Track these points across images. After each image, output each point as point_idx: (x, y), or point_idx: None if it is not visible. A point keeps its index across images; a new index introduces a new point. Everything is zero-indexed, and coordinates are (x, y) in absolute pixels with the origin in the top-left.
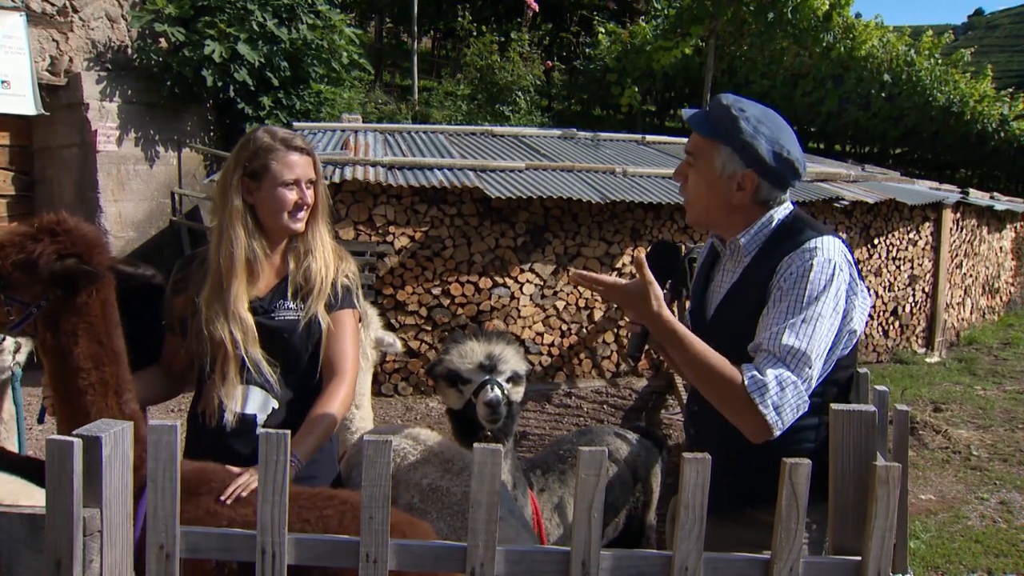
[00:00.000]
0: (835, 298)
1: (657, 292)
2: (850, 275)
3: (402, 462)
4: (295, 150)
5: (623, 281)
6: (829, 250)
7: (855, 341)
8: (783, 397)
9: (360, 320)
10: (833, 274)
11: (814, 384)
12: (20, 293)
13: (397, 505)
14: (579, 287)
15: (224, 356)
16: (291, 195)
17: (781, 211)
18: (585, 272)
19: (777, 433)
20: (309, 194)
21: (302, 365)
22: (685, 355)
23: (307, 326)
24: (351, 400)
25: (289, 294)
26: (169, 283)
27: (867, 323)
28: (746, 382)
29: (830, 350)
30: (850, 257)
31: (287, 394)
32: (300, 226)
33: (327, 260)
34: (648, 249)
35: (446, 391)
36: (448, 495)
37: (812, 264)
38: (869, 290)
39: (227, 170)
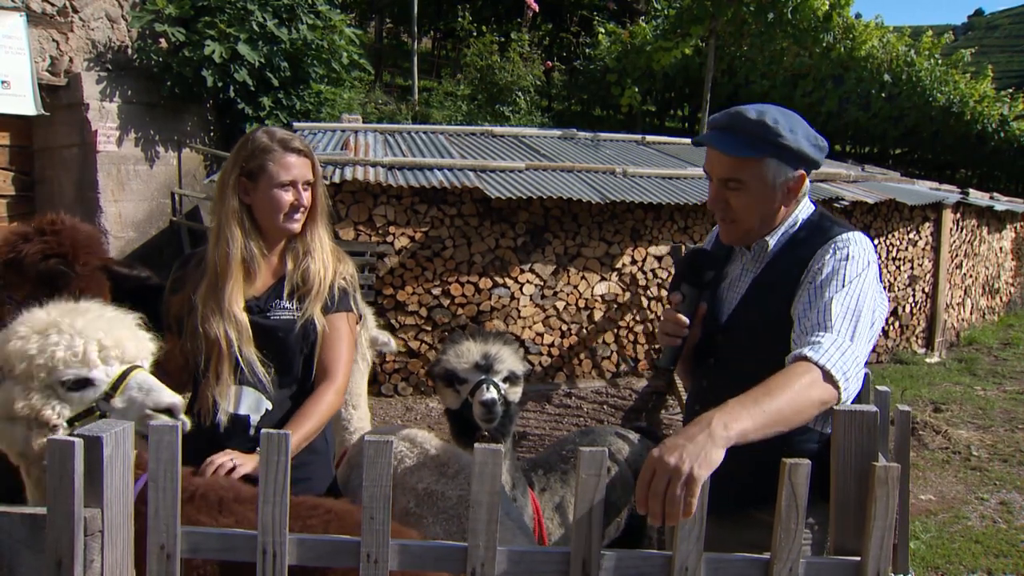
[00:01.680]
0: (872, 283)
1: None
2: (877, 270)
3: (399, 465)
4: (292, 151)
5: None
6: (860, 244)
7: (873, 342)
8: (845, 361)
9: (359, 321)
10: (869, 263)
11: (864, 355)
12: (14, 291)
13: (394, 509)
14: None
15: (218, 355)
16: (287, 196)
17: (804, 211)
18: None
19: (845, 394)
20: (306, 196)
21: (296, 366)
22: (756, 416)
23: (303, 327)
24: (338, 404)
25: (285, 294)
26: (168, 282)
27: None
28: (809, 355)
29: (872, 330)
30: (875, 257)
31: (281, 395)
32: (297, 227)
33: (325, 261)
34: (682, 256)
35: (444, 391)
36: (443, 499)
37: (849, 252)
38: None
39: (225, 170)
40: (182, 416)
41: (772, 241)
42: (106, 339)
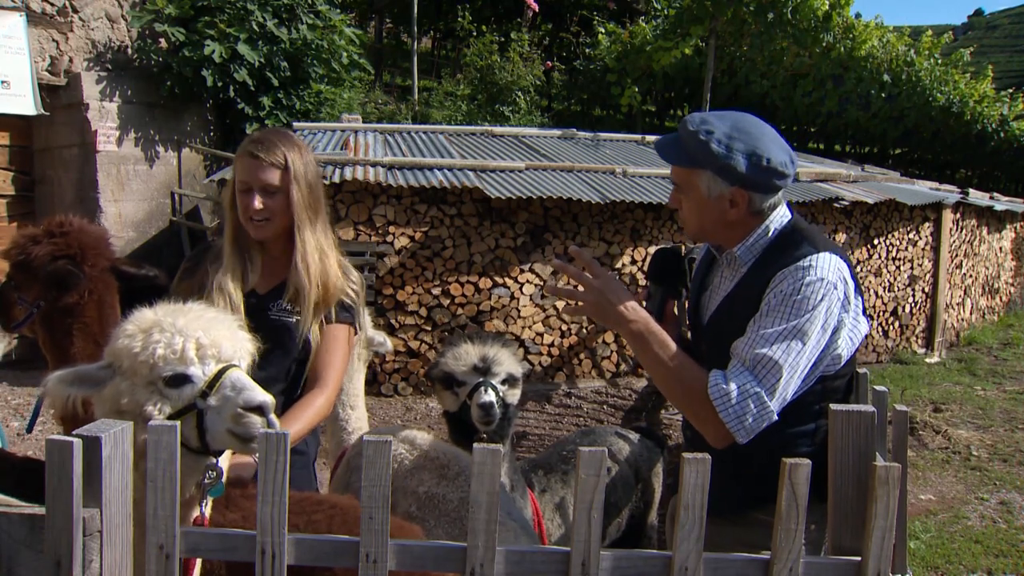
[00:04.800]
0: (824, 316)
1: (613, 287)
2: (844, 294)
3: (399, 468)
4: (251, 156)
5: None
6: (823, 268)
7: (845, 359)
8: (745, 407)
9: (357, 332)
10: (824, 293)
11: (788, 396)
12: (24, 292)
13: (395, 513)
14: (578, 287)
15: None
16: (246, 199)
17: (777, 220)
18: (571, 267)
19: (742, 440)
20: (269, 202)
21: (290, 369)
22: (650, 355)
23: (299, 332)
24: (327, 413)
25: (286, 298)
26: (179, 269)
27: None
28: (709, 390)
29: (812, 366)
30: (848, 275)
31: (276, 400)
32: (258, 233)
33: (318, 269)
34: (651, 257)
35: (442, 394)
36: (445, 502)
37: (804, 282)
38: (866, 313)
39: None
40: (272, 416)
41: (739, 251)
42: (204, 338)
